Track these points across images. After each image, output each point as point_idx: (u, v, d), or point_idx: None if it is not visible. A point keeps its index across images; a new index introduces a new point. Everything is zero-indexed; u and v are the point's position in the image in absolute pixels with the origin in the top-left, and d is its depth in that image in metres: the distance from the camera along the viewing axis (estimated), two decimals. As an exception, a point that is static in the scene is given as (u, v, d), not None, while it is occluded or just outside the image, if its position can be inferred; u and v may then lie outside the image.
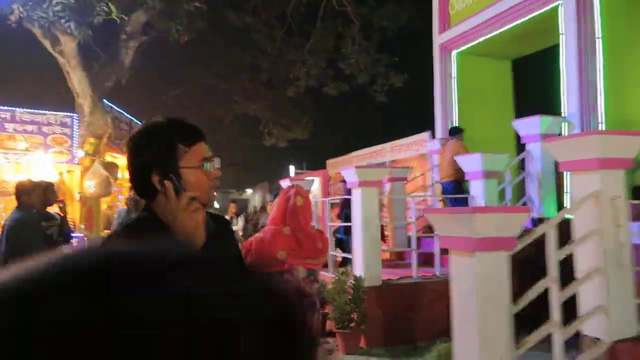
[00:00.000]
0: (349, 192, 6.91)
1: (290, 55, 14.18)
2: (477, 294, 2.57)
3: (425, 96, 9.41)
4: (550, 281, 2.72)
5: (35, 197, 4.27)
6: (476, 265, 2.53)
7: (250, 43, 15.16)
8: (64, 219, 4.75)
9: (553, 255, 2.71)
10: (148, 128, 1.29)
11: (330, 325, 5.59)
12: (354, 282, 4.97)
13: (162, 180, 1.18)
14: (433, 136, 8.96)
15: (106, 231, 9.85)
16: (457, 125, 7.59)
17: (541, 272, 2.79)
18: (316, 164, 18.45)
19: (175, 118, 1.33)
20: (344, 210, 6.69)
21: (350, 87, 13.77)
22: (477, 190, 5.71)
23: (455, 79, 8.53)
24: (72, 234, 4.92)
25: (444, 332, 5.42)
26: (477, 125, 8.39)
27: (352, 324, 4.93)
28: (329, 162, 13.43)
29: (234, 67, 17.28)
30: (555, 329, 2.73)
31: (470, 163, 5.74)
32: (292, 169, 17.40)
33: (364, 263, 5.15)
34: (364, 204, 5.17)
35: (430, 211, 3.02)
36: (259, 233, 2.79)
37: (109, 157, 10.96)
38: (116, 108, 10.90)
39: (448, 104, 8.54)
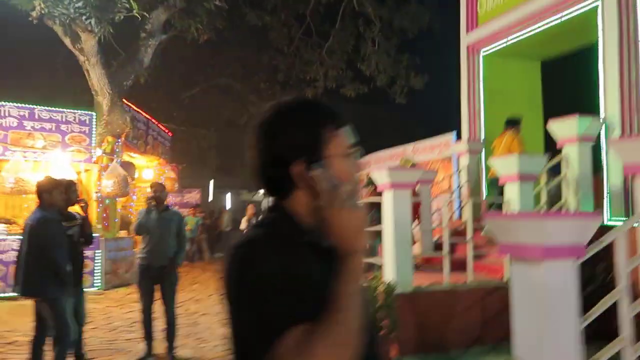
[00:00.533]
0: (376, 194, 6.71)
1: (307, 55, 14.02)
2: (544, 306, 2.35)
3: (446, 98, 9.21)
4: (621, 293, 2.49)
5: (56, 196, 4.13)
6: (544, 275, 2.31)
7: (267, 43, 15.05)
8: (85, 219, 4.59)
9: (623, 265, 2.48)
10: (282, 109, 1.07)
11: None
12: (384, 289, 4.75)
13: (304, 172, 0.98)
14: (458, 137, 8.72)
15: (122, 232, 9.73)
16: (514, 117, 7.19)
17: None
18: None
19: (310, 98, 1.10)
20: (371, 213, 6.48)
21: (369, 88, 13.56)
22: (512, 194, 5.47)
23: (482, 80, 8.28)
24: (92, 234, 4.76)
25: (478, 340, 5.20)
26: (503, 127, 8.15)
27: (382, 332, 4.71)
28: (373, 155, 13.21)
29: (249, 68, 17.17)
30: (626, 345, 2.49)
31: (506, 164, 5.50)
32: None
33: (395, 268, 4.93)
34: (395, 207, 4.95)
35: (492, 215, 2.80)
36: None
37: (126, 157, 10.87)
38: (134, 107, 10.81)
39: (475, 105, 8.30)
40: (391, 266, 5.00)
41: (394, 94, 13.16)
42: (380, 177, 5.10)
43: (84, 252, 4.66)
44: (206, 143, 19.97)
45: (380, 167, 5.55)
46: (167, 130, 14.49)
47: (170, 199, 14.84)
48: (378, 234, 6.48)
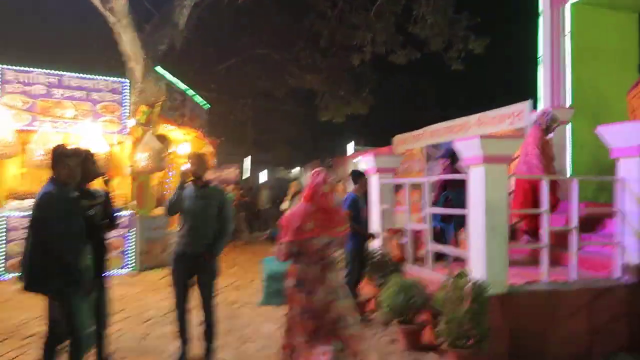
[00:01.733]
0: (450, 170, 5.68)
1: (353, 18, 12.81)
2: None
3: (510, 64, 7.93)
4: None
5: (72, 168, 3.31)
6: None
7: (308, 6, 13.92)
8: (108, 197, 3.80)
9: None
10: None
11: (430, 337, 4.45)
12: (474, 289, 3.78)
13: None
14: (534, 107, 7.49)
15: (158, 209, 9.08)
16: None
17: None
18: (376, 140, 17.17)
19: None
20: (445, 192, 5.46)
21: (422, 54, 12.30)
22: (631, 172, 4.34)
23: (570, 35, 6.99)
24: (117, 215, 3.96)
25: (585, 353, 4.19)
26: (595, 91, 6.90)
27: (469, 341, 3.76)
28: (397, 138, 12.11)
29: (289, 36, 16.10)
30: None
31: (623, 135, 4.35)
32: (351, 145, 16.18)
33: (485, 263, 3.94)
34: (489, 187, 3.93)
35: None
36: (292, 209, 3.47)
37: (162, 129, 10.18)
38: (169, 76, 10.02)
39: (559, 66, 7.04)
40: (480, 260, 4.01)
41: (449, 59, 11.86)
42: (468, 148, 4.07)
43: (108, 235, 3.87)
44: (243, 116, 19.17)
45: (461, 136, 4.51)
46: (204, 102, 13.76)
47: (209, 175, 14.20)
48: (452, 218, 5.49)
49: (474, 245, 4.08)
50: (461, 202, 5.41)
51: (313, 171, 3.45)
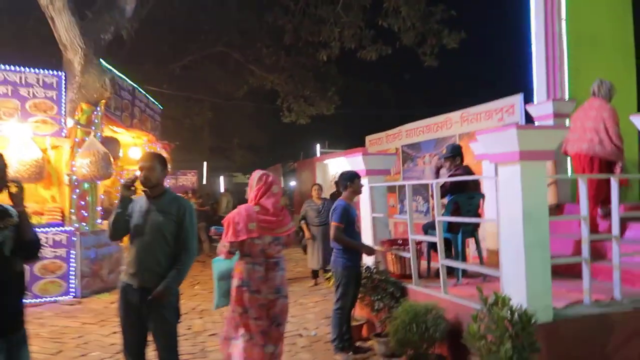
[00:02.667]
0: (463, 171, 4.86)
1: (319, 12, 11.95)
2: None
3: (488, 58, 7.30)
4: None
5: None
6: None
7: (270, 1, 12.96)
8: (23, 215, 2.69)
9: None
10: None
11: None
12: (516, 319, 2.95)
13: None
14: (527, 100, 6.88)
15: (104, 222, 7.81)
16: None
17: None
18: (344, 142, 16.38)
19: None
20: (451, 196, 4.64)
21: (394, 49, 11.59)
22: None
23: (566, 19, 6.41)
24: (36, 241, 2.81)
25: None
26: (593, 80, 6.34)
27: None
28: (370, 138, 11.35)
29: (250, 32, 15.06)
30: None
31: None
32: (318, 147, 15.30)
33: (527, 286, 3.12)
34: (527, 190, 3.12)
35: None
36: (235, 210, 3.43)
37: (107, 132, 8.92)
38: (116, 72, 8.77)
39: (555, 54, 6.44)
40: (518, 282, 3.19)
41: (423, 55, 11.22)
42: (497, 142, 3.25)
43: (23, 270, 2.75)
44: (200, 119, 17.91)
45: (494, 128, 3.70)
46: (156, 103, 12.49)
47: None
48: (459, 227, 4.68)
49: (509, 263, 3.26)
50: (472, 208, 4.64)
51: (258, 174, 3.50)
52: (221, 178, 30.94)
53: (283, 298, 3.39)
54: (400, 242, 5.02)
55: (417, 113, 10.51)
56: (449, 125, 8.65)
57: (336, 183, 5.46)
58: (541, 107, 6.26)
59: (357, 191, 4.68)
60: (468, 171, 4.80)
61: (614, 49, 6.59)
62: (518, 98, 7.15)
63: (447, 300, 3.91)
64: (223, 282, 3.52)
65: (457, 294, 3.95)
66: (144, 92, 11.01)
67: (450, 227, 4.61)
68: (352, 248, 4.47)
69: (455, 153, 4.90)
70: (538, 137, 3.15)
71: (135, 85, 10.10)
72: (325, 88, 15.37)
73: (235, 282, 3.34)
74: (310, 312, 6.21)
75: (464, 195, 4.54)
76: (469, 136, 8.07)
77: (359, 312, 5.06)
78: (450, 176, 4.80)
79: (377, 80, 17.94)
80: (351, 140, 12.59)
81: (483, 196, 4.72)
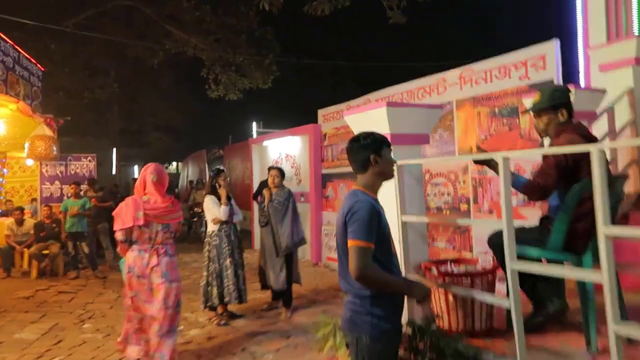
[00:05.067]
0: (587, 137, 2.59)
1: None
2: None
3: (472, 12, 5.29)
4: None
5: None
6: None
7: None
8: None
9: None
10: None
11: None
12: None
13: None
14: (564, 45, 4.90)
15: None
16: None
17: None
18: (281, 123, 13.88)
19: None
20: (576, 185, 2.40)
21: (352, 2, 9.29)
22: None
23: None
24: None
25: None
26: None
27: None
28: (325, 112, 9.01)
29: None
30: None
31: None
32: (254, 126, 12.67)
33: None
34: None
35: None
36: (124, 200, 3.68)
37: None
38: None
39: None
40: None
41: (388, 9, 9.02)
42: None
43: None
44: (103, 94, 14.45)
45: None
46: (35, 62, 9.22)
47: (49, 170, 9.66)
48: (588, 243, 2.46)
49: None
50: (612, 203, 2.43)
51: (146, 166, 3.74)
52: (135, 168, 27.12)
53: (169, 282, 3.60)
54: (452, 265, 2.75)
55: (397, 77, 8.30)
56: (441, 89, 6.53)
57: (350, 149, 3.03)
58: (613, 50, 4.27)
59: (388, 172, 2.30)
60: (585, 136, 2.59)
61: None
62: (551, 46, 5.16)
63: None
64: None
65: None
66: (12, 43, 7.79)
67: (571, 242, 2.39)
68: (393, 291, 2.10)
69: (559, 101, 2.66)
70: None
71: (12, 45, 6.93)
72: (261, 55, 12.74)
73: (126, 269, 3.61)
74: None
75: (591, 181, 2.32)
76: (473, 103, 6.01)
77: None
78: (553, 145, 2.57)
79: (330, 43, 15.34)
80: (293, 119, 10.28)
81: (624, 180, 2.55)
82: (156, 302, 3.54)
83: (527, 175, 5.29)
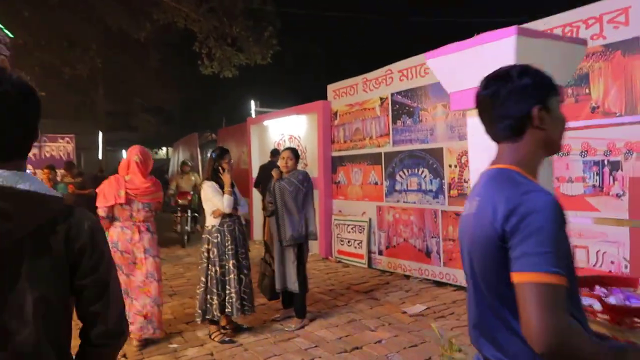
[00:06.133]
0: None
1: None
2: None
3: None
4: None
5: None
6: None
7: None
8: None
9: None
10: None
11: None
12: None
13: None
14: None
15: None
16: None
17: None
18: (281, 103, 12.76)
19: None
20: None
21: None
22: None
23: None
24: None
25: None
26: None
27: None
28: (335, 87, 7.93)
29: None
30: None
31: None
32: (252, 105, 11.54)
33: None
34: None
35: None
36: (107, 180, 3.98)
37: None
38: None
39: None
40: None
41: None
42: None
43: None
44: (84, 68, 13.15)
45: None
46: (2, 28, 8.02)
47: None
48: None
49: None
50: None
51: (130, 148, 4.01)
52: (123, 153, 25.86)
53: (152, 257, 3.89)
54: (611, 291, 1.74)
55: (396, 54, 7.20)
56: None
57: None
58: None
59: (557, 140, 1.27)
60: None
61: None
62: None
63: None
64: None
65: None
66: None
67: None
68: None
69: None
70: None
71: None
72: (260, 27, 11.56)
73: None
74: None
75: None
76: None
77: None
78: None
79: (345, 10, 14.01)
80: (294, 100, 9.21)
81: None
82: (140, 274, 3.85)
83: (599, 157, 4.31)
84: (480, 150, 2.59)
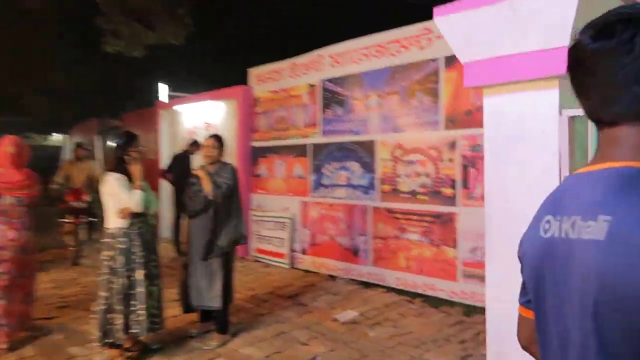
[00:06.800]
0: None
1: None
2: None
3: None
4: None
5: None
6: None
7: None
8: None
9: None
10: None
11: None
12: None
13: None
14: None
15: None
16: None
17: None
18: (194, 87, 11.77)
19: None
20: None
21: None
22: None
23: None
24: None
25: None
26: None
27: None
28: (258, 71, 7.29)
29: None
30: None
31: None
32: (165, 90, 10.44)
33: None
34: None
35: None
36: None
37: None
38: None
39: None
40: None
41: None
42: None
43: None
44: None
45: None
46: None
47: None
48: None
49: None
50: None
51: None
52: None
53: (29, 255, 3.73)
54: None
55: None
56: (424, 42, 5.18)
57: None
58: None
59: None
60: None
61: None
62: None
63: None
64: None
65: None
66: None
67: None
68: None
69: None
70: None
71: None
72: (173, 3, 10.53)
73: None
74: None
75: None
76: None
77: None
78: None
79: None
80: (211, 85, 8.43)
81: None
82: (17, 271, 3.66)
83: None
84: (499, 142, 2.15)
